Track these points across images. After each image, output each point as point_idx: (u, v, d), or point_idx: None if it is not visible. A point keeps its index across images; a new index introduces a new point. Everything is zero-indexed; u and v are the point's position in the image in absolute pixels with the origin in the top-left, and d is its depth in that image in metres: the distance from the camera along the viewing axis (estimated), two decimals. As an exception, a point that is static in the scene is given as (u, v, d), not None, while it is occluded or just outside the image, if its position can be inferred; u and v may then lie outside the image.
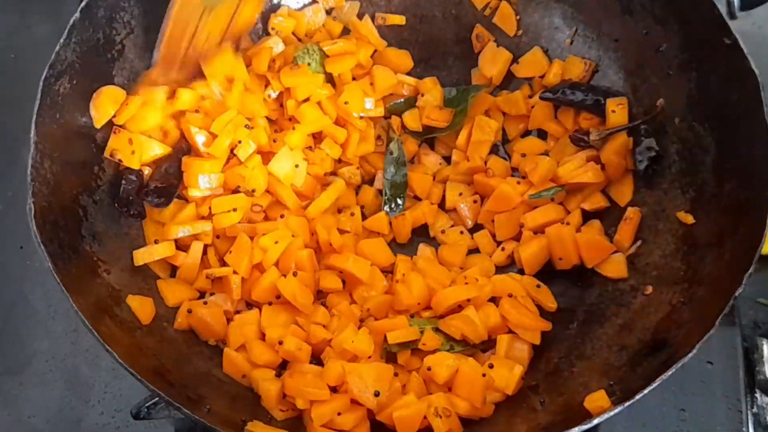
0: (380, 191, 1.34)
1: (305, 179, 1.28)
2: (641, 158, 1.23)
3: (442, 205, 1.35)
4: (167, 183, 1.21)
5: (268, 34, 1.35)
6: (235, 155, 1.24)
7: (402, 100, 1.39)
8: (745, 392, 1.16)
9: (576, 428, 0.93)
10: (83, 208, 1.13)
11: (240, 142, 1.23)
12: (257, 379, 1.11)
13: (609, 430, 1.14)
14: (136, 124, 1.20)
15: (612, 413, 0.93)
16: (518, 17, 1.39)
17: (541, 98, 1.33)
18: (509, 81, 1.40)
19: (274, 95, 1.31)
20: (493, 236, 1.30)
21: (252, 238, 1.20)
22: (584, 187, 1.26)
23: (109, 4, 1.18)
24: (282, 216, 1.25)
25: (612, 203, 1.26)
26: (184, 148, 1.25)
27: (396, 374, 1.11)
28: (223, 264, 1.20)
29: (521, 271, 1.25)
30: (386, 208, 1.32)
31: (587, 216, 1.27)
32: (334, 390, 1.08)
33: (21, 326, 1.30)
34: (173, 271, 1.21)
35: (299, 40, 1.37)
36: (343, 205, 1.33)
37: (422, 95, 1.38)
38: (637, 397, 0.93)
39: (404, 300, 1.18)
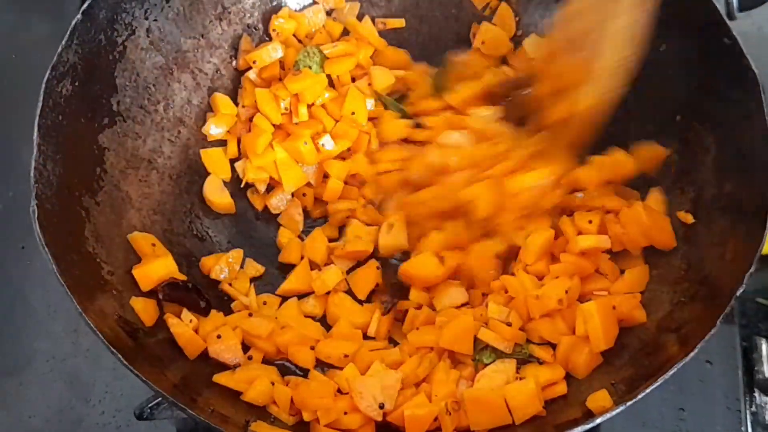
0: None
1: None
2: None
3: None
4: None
5: (269, 36, 1.36)
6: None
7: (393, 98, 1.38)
8: (744, 392, 1.16)
9: (578, 428, 0.94)
10: (86, 209, 1.13)
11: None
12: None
13: (609, 429, 1.14)
14: None
15: (614, 413, 0.94)
16: (518, 18, 1.39)
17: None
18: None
19: (284, 104, 1.32)
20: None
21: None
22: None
23: (110, 5, 1.18)
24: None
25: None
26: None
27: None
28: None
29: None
30: None
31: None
32: (338, 390, 1.09)
33: (21, 326, 1.30)
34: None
35: (299, 41, 1.38)
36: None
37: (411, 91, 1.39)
38: (639, 396, 0.94)
39: None
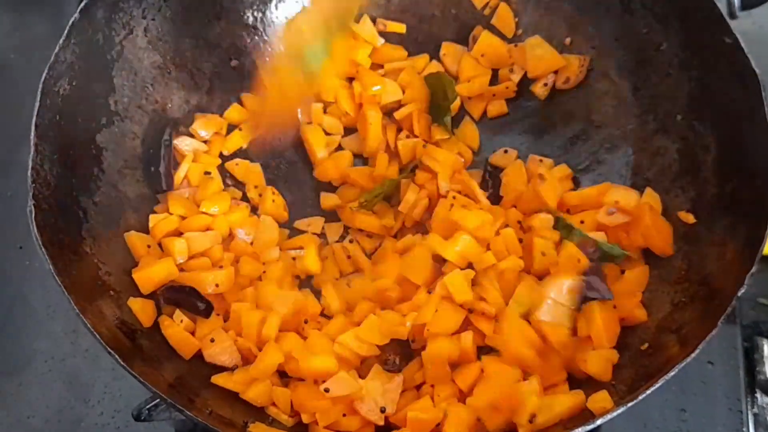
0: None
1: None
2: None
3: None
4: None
5: (267, 35, 1.36)
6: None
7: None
8: (746, 392, 1.16)
9: (579, 429, 0.93)
10: (83, 209, 1.13)
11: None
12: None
13: (610, 430, 1.14)
14: None
15: (615, 413, 0.93)
16: (517, 19, 1.38)
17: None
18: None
19: None
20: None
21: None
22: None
23: (108, 4, 1.18)
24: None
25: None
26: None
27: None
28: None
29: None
30: None
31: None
32: None
33: (21, 326, 1.30)
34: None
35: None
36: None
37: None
38: (640, 397, 0.93)
39: None
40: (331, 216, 1.34)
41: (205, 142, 1.33)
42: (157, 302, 1.14)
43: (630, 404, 0.93)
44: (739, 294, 0.97)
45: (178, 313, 1.14)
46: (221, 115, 1.35)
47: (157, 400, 1.05)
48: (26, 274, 1.34)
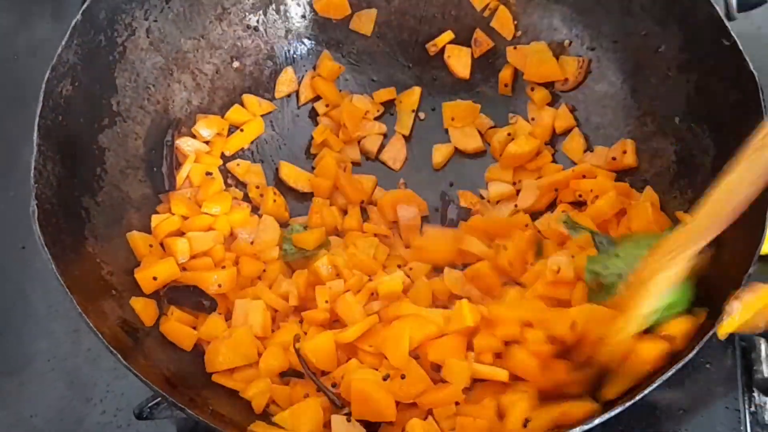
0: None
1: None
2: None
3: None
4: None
5: (266, 36, 1.37)
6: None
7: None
8: (743, 392, 1.16)
9: (577, 428, 0.94)
10: (86, 209, 1.13)
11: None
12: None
13: (610, 430, 1.14)
14: None
15: (613, 413, 0.94)
16: (516, 21, 1.39)
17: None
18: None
19: None
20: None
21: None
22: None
23: (110, 6, 1.18)
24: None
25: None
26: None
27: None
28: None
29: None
30: None
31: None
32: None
33: (21, 326, 1.30)
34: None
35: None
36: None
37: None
38: (638, 397, 0.94)
39: None
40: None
41: (206, 142, 1.33)
42: (159, 301, 1.15)
43: (628, 404, 0.93)
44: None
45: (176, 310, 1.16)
46: (223, 116, 1.36)
47: (159, 399, 1.05)
48: (28, 273, 1.33)
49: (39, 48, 1.52)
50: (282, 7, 1.39)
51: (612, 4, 1.29)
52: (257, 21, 1.38)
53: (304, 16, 1.41)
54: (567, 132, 1.34)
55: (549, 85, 1.37)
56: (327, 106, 1.41)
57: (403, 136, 1.40)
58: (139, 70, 1.25)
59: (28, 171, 1.05)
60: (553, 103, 1.37)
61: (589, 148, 1.31)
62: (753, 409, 1.16)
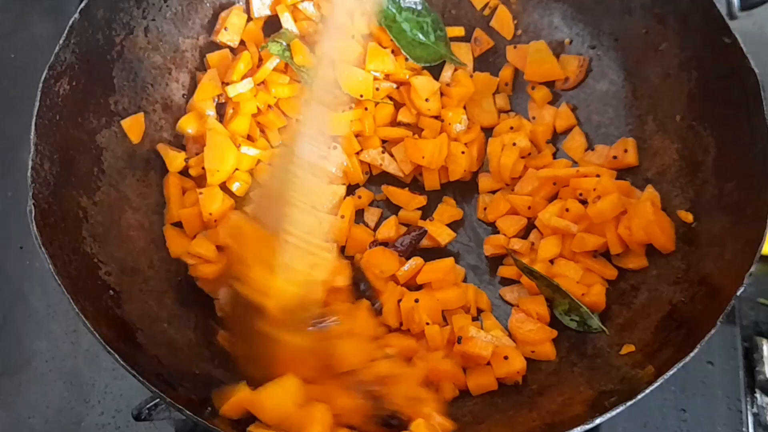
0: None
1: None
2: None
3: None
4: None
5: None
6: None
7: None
8: (745, 392, 1.16)
9: (578, 428, 0.93)
10: (83, 209, 1.13)
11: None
12: None
13: (610, 429, 1.14)
14: None
15: (613, 413, 0.93)
16: (517, 20, 1.39)
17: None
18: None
19: None
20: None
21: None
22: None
23: (108, 5, 1.18)
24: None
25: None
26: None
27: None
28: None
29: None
30: None
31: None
32: None
33: (20, 326, 1.30)
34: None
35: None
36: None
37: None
38: (639, 396, 0.93)
39: None
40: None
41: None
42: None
43: (629, 403, 0.93)
44: (739, 293, 0.97)
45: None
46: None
47: (157, 400, 1.05)
48: (26, 274, 1.33)
49: (37, 47, 1.52)
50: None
51: (612, 3, 1.28)
52: (256, 20, 1.37)
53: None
54: (568, 131, 1.34)
55: (549, 84, 1.37)
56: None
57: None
58: (137, 69, 1.25)
59: (25, 170, 1.04)
60: (554, 102, 1.36)
61: (589, 147, 1.31)
62: (755, 410, 1.16)
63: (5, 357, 1.28)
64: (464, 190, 1.33)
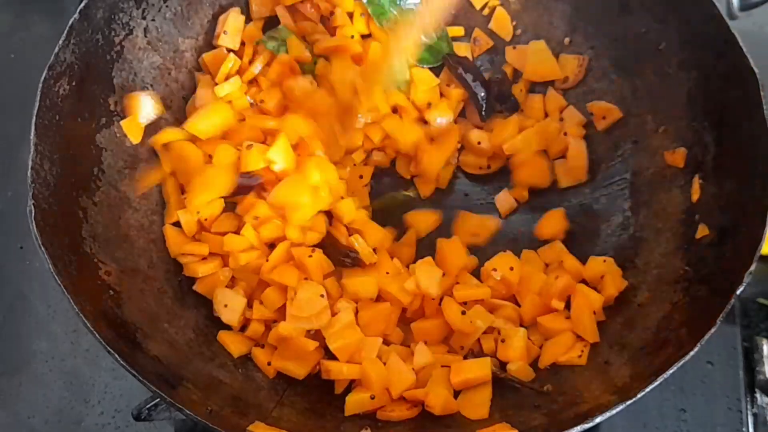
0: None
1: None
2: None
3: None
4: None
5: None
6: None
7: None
8: (745, 392, 1.16)
9: (577, 428, 0.93)
10: (83, 209, 1.13)
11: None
12: None
13: (610, 430, 1.14)
14: None
15: (613, 412, 0.93)
16: (516, 21, 1.39)
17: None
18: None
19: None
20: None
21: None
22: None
23: (108, 5, 1.18)
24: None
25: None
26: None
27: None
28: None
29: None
30: None
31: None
32: None
33: (20, 326, 1.30)
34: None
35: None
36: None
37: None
38: (638, 396, 0.93)
39: None
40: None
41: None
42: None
43: (628, 402, 0.93)
44: (738, 293, 0.97)
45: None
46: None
47: (157, 400, 1.05)
48: (26, 274, 1.34)
49: (36, 47, 1.52)
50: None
51: (611, 2, 1.28)
52: (256, 20, 1.37)
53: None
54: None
55: (549, 84, 1.36)
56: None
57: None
58: (136, 69, 1.25)
59: (25, 171, 1.04)
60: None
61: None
62: (755, 410, 1.16)
63: (5, 357, 1.28)
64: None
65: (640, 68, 1.26)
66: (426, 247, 1.28)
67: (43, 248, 1.00)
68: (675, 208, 1.18)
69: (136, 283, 1.15)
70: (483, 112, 1.32)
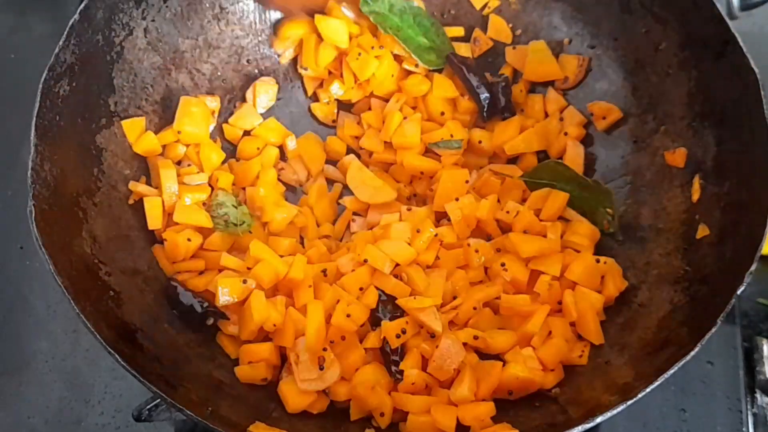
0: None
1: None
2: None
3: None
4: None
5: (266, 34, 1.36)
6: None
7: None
8: (746, 392, 1.16)
9: (578, 428, 0.93)
10: (83, 210, 1.13)
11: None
12: None
13: (610, 429, 1.14)
14: None
15: (614, 412, 0.93)
16: (511, 24, 1.39)
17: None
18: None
19: None
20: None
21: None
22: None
23: (108, 5, 1.18)
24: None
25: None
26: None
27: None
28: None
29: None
30: None
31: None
32: None
33: (21, 326, 1.30)
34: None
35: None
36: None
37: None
38: (639, 396, 0.94)
39: None
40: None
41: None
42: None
43: (629, 402, 0.93)
44: (739, 293, 0.97)
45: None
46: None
47: (158, 400, 1.05)
48: (26, 274, 1.34)
49: (36, 47, 1.52)
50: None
51: (612, 2, 1.29)
52: (256, 20, 1.37)
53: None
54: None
55: (549, 84, 1.36)
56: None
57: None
58: (136, 70, 1.25)
59: (25, 171, 1.04)
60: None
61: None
62: (755, 410, 1.16)
63: (5, 357, 1.28)
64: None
65: (641, 68, 1.26)
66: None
67: (43, 248, 1.00)
68: (675, 208, 1.18)
69: (136, 284, 1.15)
70: (485, 113, 1.32)
